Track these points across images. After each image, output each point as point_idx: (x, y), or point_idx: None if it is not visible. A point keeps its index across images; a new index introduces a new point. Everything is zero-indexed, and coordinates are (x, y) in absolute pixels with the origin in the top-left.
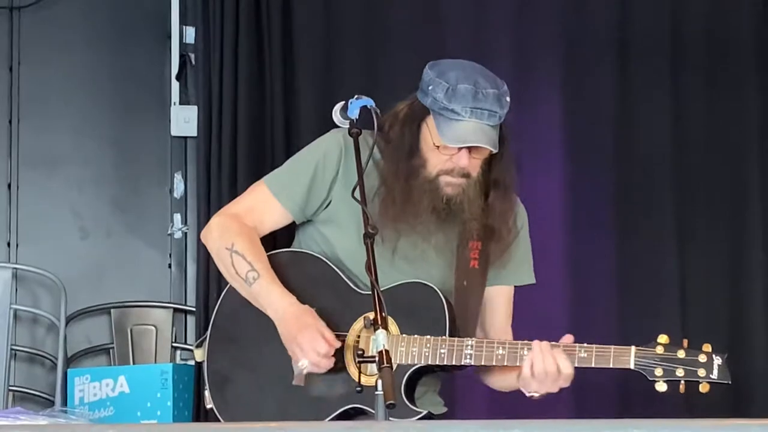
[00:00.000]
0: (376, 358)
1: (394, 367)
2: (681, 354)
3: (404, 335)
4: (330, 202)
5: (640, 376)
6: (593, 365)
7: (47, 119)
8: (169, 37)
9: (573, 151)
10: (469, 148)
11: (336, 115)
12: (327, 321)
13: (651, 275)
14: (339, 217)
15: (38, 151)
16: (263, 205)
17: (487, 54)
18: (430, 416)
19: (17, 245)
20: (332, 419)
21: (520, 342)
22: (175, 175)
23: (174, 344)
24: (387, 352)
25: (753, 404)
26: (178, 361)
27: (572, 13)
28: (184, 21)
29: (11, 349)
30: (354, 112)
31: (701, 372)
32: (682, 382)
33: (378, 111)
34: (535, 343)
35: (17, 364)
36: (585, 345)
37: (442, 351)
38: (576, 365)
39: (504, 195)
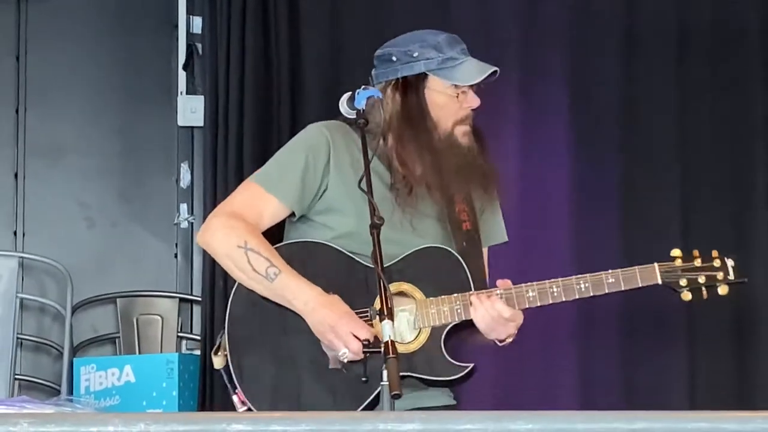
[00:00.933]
0: (382, 349)
1: (429, 331)
2: (698, 263)
3: (431, 298)
4: (325, 190)
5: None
6: (623, 288)
7: (54, 108)
8: (176, 27)
9: (579, 144)
10: (473, 89)
11: (343, 106)
12: (349, 302)
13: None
14: (337, 204)
15: (45, 141)
16: (259, 201)
17: (493, 46)
18: (474, 369)
19: (24, 234)
20: (372, 401)
21: (547, 281)
22: (182, 164)
23: (180, 334)
24: (393, 342)
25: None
26: (183, 350)
27: (578, 6)
28: (191, 11)
29: (17, 338)
30: (361, 103)
31: (720, 275)
32: (704, 288)
33: (383, 101)
34: (473, 297)
35: (23, 353)
36: (610, 270)
37: (472, 299)
38: (606, 291)
39: (482, 141)
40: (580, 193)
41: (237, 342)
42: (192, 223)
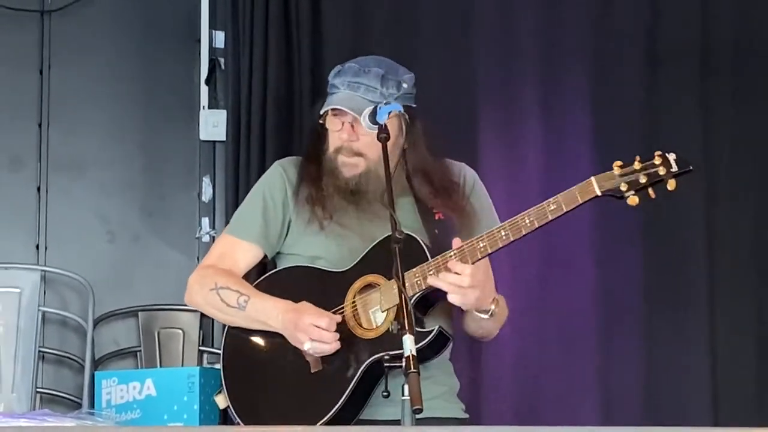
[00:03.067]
0: (404, 364)
1: (394, 310)
2: (637, 165)
3: (392, 279)
4: (290, 224)
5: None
6: (565, 209)
7: (76, 123)
8: (199, 42)
9: (601, 159)
10: (353, 125)
11: (365, 120)
12: (322, 306)
13: (680, 281)
14: (300, 231)
15: (67, 155)
16: (230, 248)
17: (514, 60)
18: (441, 332)
19: (46, 248)
20: (357, 382)
21: (495, 228)
22: (204, 179)
23: (201, 348)
24: (414, 357)
25: None
26: (204, 364)
27: (600, 19)
28: (213, 25)
29: (39, 351)
30: (383, 117)
31: (661, 171)
32: (649, 188)
33: (407, 116)
34: (431, 276)
35: (45, 366)
36: (551, 198)
37: (430, 272)
38: (551, 218)
39: (424, 178)
40: (602, 211)
41: (232, 381)
42: (213, 237)
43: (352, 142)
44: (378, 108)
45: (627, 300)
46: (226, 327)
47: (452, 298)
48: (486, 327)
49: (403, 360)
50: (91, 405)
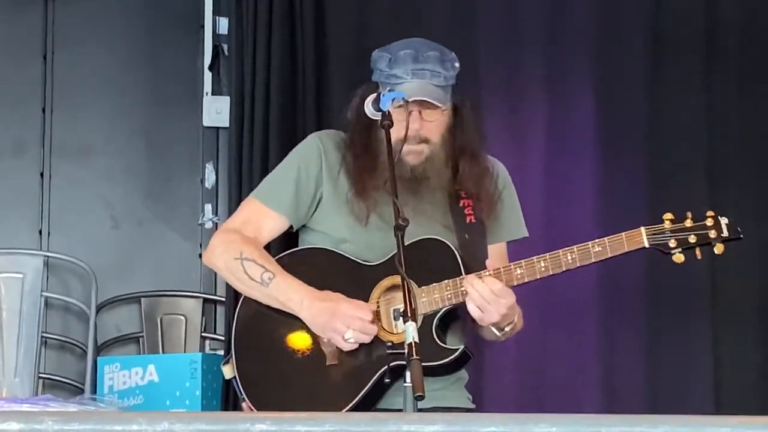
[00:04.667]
0: (406, 351)
1: (420, 319)
2: (689, 223)
3: (423, 287)
4: (320, 199)
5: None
6: (610, 254)
7: (80, 109)
8: (202, 28)
9: (605, 147)
10: (420, 112)
11: (368, 107)
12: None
13: (683, 269)
14: (332, 210)
15: (71, 141)
16: (257, 215)
17: (518, 47)
18: (466, 352)
19: (49, 233)
20: (372, 386)
21: (535, 257)
22: (207, 165)
23: (203, 334)
24: (417, 344)
25: None
26: (207, 350)
27: (605, 7)
28: (217, 11)
29: (42, 337)
30: (386, 105)
31: (712, 233)
32: (697, 248)
33: (409, 101)
34: (465, 281)
35: (47, 352)
36: (596, 240)
37: (463, 288)
38: (594, 260)
39: (473, 160)
40: (605, 194)
41: (242, 352)
42: (216, 224)
43: (420, 130)
44: (381, 95)
45: (630, 288)
46: (242, 297)
47: (473, 310)
48: (493, 338)
49: (405, 347)
50: (94, 390)
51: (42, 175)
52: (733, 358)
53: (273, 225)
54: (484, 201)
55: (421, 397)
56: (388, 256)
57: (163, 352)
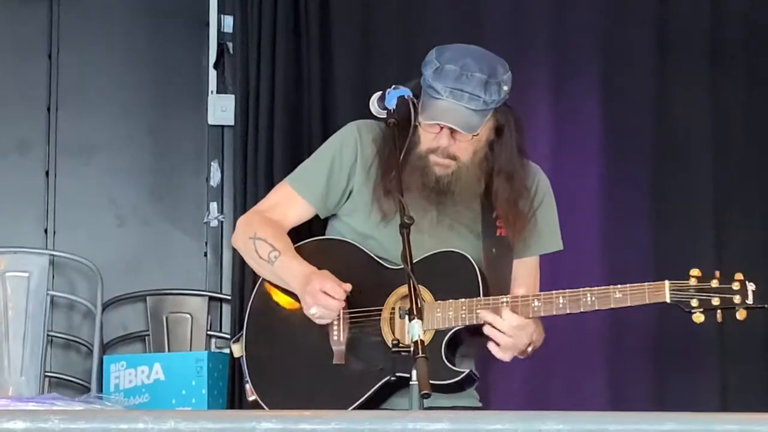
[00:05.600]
0: (411, 348)
1: (432, 334)
2: (715, 284)
3: (439, 301)
4: (351, 191)
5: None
6: (630, 304)
7: (85, 107)
8: (207, 26)
9: (611, 147)
10: (452, 131)
11: (373, 105)
12: (362, 298)
13: (689, 264)
14: (361, 204)
15: (76, 139)
16: (285, 200)
17: (524, 46)
18: (471, 375)
19: (54, 232)
20: (375, 391)
21: (555, 292)
22: (212, 163)
23: (209, 332)
24: (422, 342)
25: None
26: (213, 349)
27: (611, 6)
28: (222, 10)
29: (48, 335)
30: (391, 102)
31: (737, 299)
32: (719, 311)
33: (415, 101)
34: (482, 312)
35: (53, 350)
36: (619, 285)
37: (479, 311)
38: (613, 306)
39: (508, 182)
40: (611, 196)
41: (253, 334)
42: (222, 222)
43: (449, 147)
44: (387, 93)
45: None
46: (260, 279)
47: (496, 352)
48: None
49: (411, 345)
50: (100, 389)
51: (47, 173)
52: (739, 351)
53: (300, 211)
54: (516, 223)
55: (428, 395)
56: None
57: (169, 351)
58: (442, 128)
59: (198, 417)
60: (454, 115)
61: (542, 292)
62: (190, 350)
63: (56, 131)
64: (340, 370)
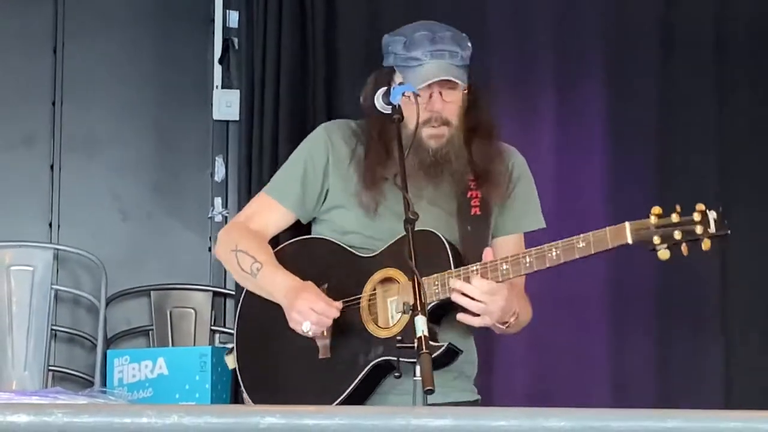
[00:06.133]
0: (415, 344)
1: (410, 313)
2: (675, 218)
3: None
4: (327, 191)
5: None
6: (594, 251)
7: (90, 102)
8: (213, 21)
9: (616, 141)
10: (441, 93)
11: (378, 101)
12: (340, 291)
13: (693, 265)
14: (339, 202)
15: (81, 134)
16: (264, 209)
17: (529, 39)
18: (451, 348)
19: (59, 226)
20: (363, 378)
21: (521, 253)
22: (216, 158)
23: (213, 327)
24: (426, 337)
25: None
26: (216, 344)
27: (615, 2)
28: (227, 5)
29: (51, 330)
30: (396, 98)
31: (698, 229)
32: (683, 244)
33: (419, 96)
34: (452, 283)
35: (57, 345)
36: (582, 235)
37: (450, 281)
38: (578, 256)
39: (487, 140)
40: (616, 192)
41: (243, 344)
42: (226, 217)
43: (441, 111)
44: (392, 88)
45: (640, 282)
46: (244, 290)
47: (466, 319)
48: (500, 331)
49: (415, 340)
50: (103, 383)
51: (52, 168)
52: (743, 349)
53: (279, 218)
54: (493, 183)
55: (431, 391)
56: (383, 248)
57: (173, 346)
58: (431, 94)
59: (202, 411)
60: (445, 71)
61: (509, 255)
62: (194, 345)
63: (61, 126)
64: (329, 363)
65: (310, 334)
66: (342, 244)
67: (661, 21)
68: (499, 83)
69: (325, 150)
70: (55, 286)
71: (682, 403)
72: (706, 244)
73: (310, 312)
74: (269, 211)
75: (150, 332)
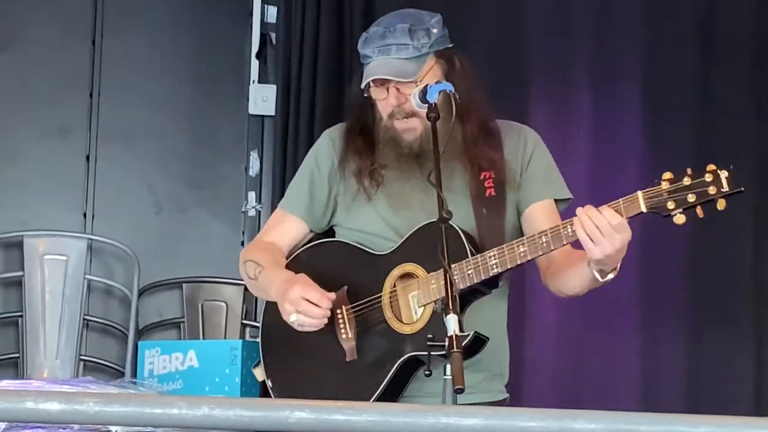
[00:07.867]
0: (446, 344)
1: (432, 307)
2: (687, 181)
3: (432, 273)
4: (337, 196)
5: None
6: None
7: (127, 93)
8: (251, 16)
9: (651, 147)
10: (397, 88)
11: (415, 99)
12: (360, 291)
13: (725, 266)
14: (348, 205)
15: (117, 125)
16: (277, 221)
17: (566, 46)
18: (477, 336)
19: (93, 217)
20: (392, 377)
21: (537, 234)
22: (251, 153)
23: (244, 321)
24: (457, 337)
25: None
26: (247, 337)
27: (654, 6)
28: (266, 0)
29: (84, 319)
30: (433, 96)
31: (711, 190)
32: (698, 207)
33: (457, 96)
34: (577, 210)
35: (89, 334)
36: (601, 207)
37: (469, 272)
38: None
39: (481, 124)
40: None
41: (269, 356)
42: (259, 212)
43: (402, 104)
44: (428, 87)
45: (671, 284)
46: (265, 301)
47: (584, 239)
48: (587, 287)
49: (446, 339)
50: (134, 374)
51: (88, 158)
52: None
53: (291, 229)
54: (501, 163)
55: (461, 390)
56: (398, 244)
57: (204, 338)
58: (388, 90)
59: (232, 404)
60: (385, 68)
61: (525, 238)
62: (225, 338)
63: (98, 116)
64: (356, 364)
65: (296, 325)
66: (356, 244)
67: (700, 27)
68: (535, 74)
69: (329, 155)
70: (88, 276)
71: (712, 402)
72: (720, 204)
73: (299, 301)
74: (281, 224)
75: (181, 324)
